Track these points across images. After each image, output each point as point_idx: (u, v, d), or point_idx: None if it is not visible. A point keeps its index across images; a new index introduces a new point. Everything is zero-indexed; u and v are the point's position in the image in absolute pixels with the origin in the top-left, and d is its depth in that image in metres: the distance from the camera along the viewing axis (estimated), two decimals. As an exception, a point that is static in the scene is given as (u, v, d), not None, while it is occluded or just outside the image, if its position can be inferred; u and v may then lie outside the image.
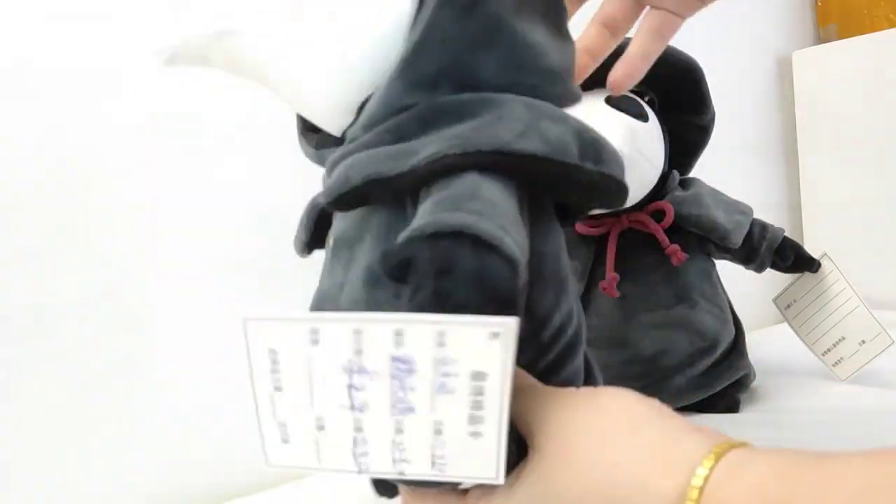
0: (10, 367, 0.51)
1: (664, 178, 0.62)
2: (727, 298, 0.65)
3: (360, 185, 0.30)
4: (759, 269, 0.64)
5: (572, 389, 0.31)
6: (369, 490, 0.41)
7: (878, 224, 1.00)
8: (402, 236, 0.27)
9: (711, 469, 0.25)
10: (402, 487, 0.33)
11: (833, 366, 0.65)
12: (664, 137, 0.62)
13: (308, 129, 0.37)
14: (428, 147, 0.29)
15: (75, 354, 0.54)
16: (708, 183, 0.65)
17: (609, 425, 0.28)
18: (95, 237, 0.55)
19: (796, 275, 0.66)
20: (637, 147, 0.57)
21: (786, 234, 0.64)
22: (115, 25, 0.56)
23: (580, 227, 0.62)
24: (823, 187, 1.08)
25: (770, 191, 1.11)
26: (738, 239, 0.61)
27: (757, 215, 0.64)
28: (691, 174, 0.68)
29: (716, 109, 0.65)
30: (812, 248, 0.66)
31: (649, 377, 0.61)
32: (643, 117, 0.59)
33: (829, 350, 0.65)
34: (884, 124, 0.99)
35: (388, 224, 0.32)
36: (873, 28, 1.06)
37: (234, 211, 0.61)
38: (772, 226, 0.64)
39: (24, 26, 0.53)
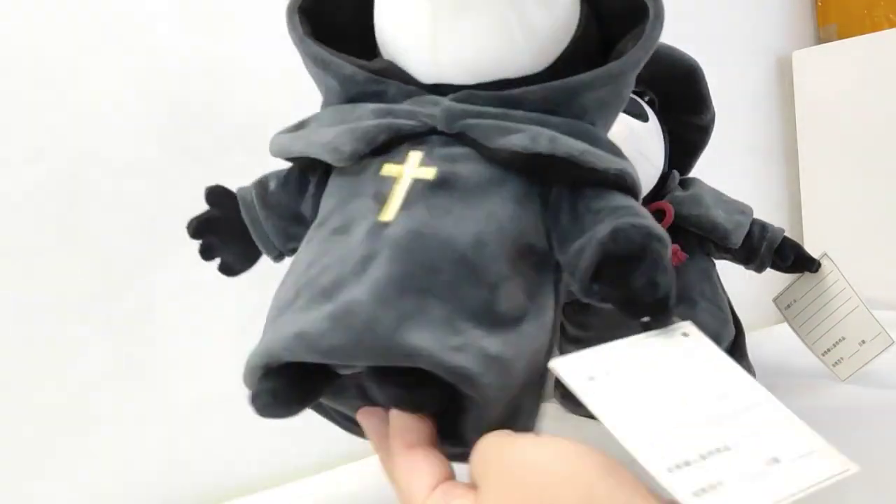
0: (10, 366, 0.51)
1: (664, 178, 0.62)
2: (727, 298, 0.65)
3: (560, 158, 0.34)
4: (759, 269, 0.65)
5: (519, 439, 0.28)
6: (369, 490, 0.41)
7: (878, 224, 1.00)
8: (631, 226, 0.33)
9: None
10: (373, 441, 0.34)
11: (833, 366, 0.65)
12: (664, 137, 0.62)
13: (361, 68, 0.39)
14: (603, 157, 0.35)
15: (75, 354, 0.54)
16: (708, 183, 0.65)
17: (582, 472, 0.25)
18: (95, 237, 0.55)
19: (796, 275, 0.66)
20: (637, 147, 0.57)
21: (786, 234, 0.64)
22: (115, 25, 0.56)
23: None
24: (823, 187, 1.08)
25: (770, 191, 1.11)
26: (738, 239, 0.61)
27: (757, 215, 0.64)
28: (691, 174, 0.68)
29: (716, 109, 0.65)
30: (812, 248, 0.66)
31: None
32: (643, 117, 0.59)
33: (829, 350, 0.65)
34: (884, 124, 0.99)
35: (526, 194, 0.36)
36: (873, 28, 1.06)
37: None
38: (772, 226, 0.64)
39: (23, 27, 0.53)
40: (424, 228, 0.33)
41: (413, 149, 0.36)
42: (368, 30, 0.41)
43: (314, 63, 0.39)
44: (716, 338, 0.60)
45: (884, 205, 1.00)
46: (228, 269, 0.42)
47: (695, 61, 0.62)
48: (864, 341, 0.63)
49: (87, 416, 0.54)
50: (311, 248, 0.35)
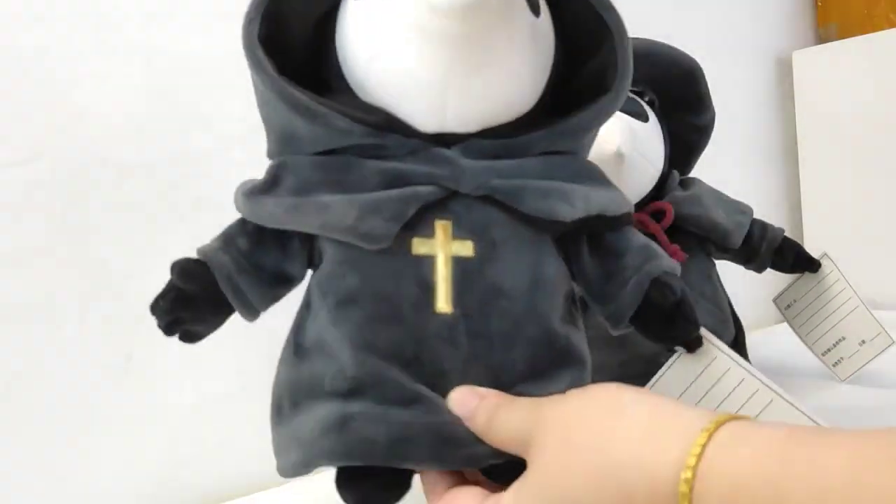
0: (10, 366, 0.51)
1: (664, 178, 0.62)
2: (727, 298, 0.65)
3: (593, 217, 0.36)
4: (759, 269, 0.64)
5: (556, 398, 0.32)
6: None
7: (878, 224, 1.00)
8: (666, 274, 0.37)
9: (707, 441, 0.25)
10: (424, 481, 0.35)
11: (833, 366, 0.65)
12: (664, 137, 0.62)
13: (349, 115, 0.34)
14: (616, 201, 0.37)
15: (74, 354, 0.54)
16: (708, 183, 0.65)
17: (599, 413, 0.29)
18: (95, 237, 0.55)
19: (796, 275, 0.66)
20: (637, 147, 0.57)
21: (786, 234, 0.64)
22: (115, 25, 0.56)
23: None
24: (823, 187, 1.08)
25: (770, 191, 1.11)
26: (738, 239, 0.61)
27: (757, 215, 0.64)
28: (691, 174, 0.68)
29: (716, 109, 0.65)
30: (812, 248, 0.66)
31: (649, 377, 0.61)
32: (643, 117, 0.59)
33: (829, 350, 0.65)
34: (884, 124, 0.99)
35: (557, 248, 0.37)
36: (873, 28, 1.06)
37: (235, 211, 0.61)
38: (772, 226, 0.64)
39: (23, 26, 0.53)
40: (484, 321, 0.33)
41: (438, 218, 0.34)
42: (318, 54, 0.36)
43: (293, 110, 0.33)
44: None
45: (884, 205, 1.00)
46: (193, 337, 0.38)
47: (695, 61, 0.62)
48: (864, 341, 0.63)
49: (87, 416, 0.54)
50: (347, 333, 0.33)
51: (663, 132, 0.62)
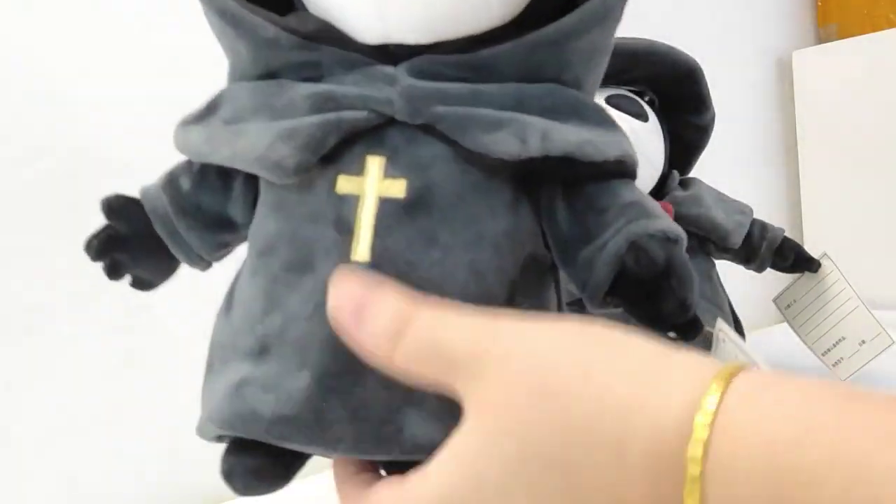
0: (10, 366, 0.51)
1: (664, 178, 0.62)
2: (727, 298, 0.65)
3: (555, 158, 0.28)
4: (759, 269, 0.65)
5: (511, 314, 0.23)
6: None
7: (878, 224, 1.00)
8: (649, 237, 0.29)
9: (725, 388, 0.19)
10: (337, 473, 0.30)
11: (833, 366, 0.65)
12: (664, 137, 0.62)
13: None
14: (600, 144, 0.29)
15: (74, 354, 0.54)
16: (708, 183, 0.65)
17: (585, 342, 0.22)
18: (95, 237, 0.55)
19: (796, 275, 0.66)
20: (637, 147, 0.57)
21: (786, 234, 0.64)
22: (115, 25, 0.56)
23: None
24: (823, 187, 1.08)
25: (770, 191, 1.11)
26: (738, 239, 0.61)
27: (757, 215, 0.64)
28: (691, 174, 0.68)
29: (716, 109, 0.65)
30: (812, 248, 0.66)
31: None
32: (643, 117, 0.59)
33: (829, 350, 0.65)
34: (884, 124, 0.99)
35: (516, 198, 0.29)
36: (873, 28, 1.06)
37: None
38: (772, 226, 0.64)
39: (23, 26, 0.53)
40: (409, 271, 0.27)
41: (371, 151, 0.28)
42: None
43: (221, 18, 0.30)
44: None
45: (884, 205, 1.00)
46: (144, 284, 0.35)
47: (695, 61, 0.62)
48: (864, 341, 0.63)
49: (87, 416, 0.54)
50: (262, 285, 0.29)
51: (663, 132, 0.62)
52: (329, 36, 0.29)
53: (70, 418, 0.53)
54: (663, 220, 0.30)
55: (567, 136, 0.28)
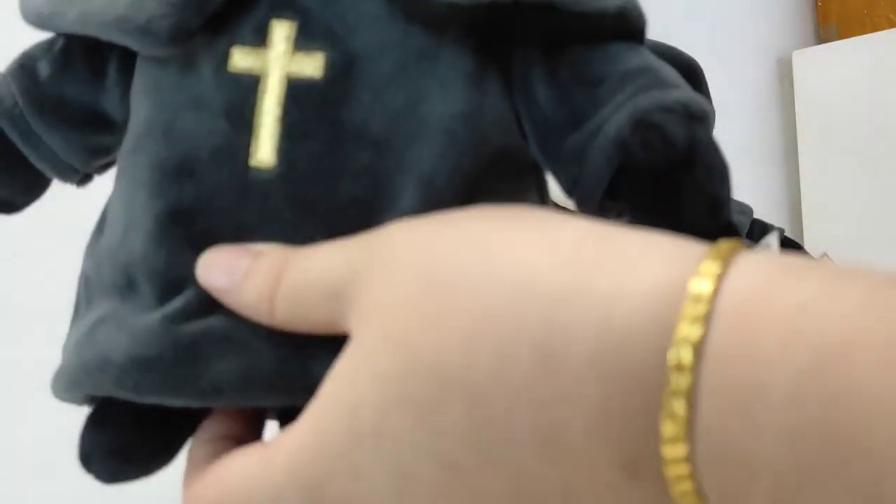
0: (10, 366, 0.51)
1: None
2: None
3: (527, 4, 0.20)
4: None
5: (402, 222, 0.18)
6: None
7: (878, 224, 1.00)
8: (662, 110, 0.19)
9: (724, 269, 0.13)
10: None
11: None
12: None
13: None
14: None
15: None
16: (708, 183, 0.65)
17: (493, 228, 0.16)
18: (95, 237, 0.55)
19: None
20: None
21: (786, 233, 0.64)
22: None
23: None
24: (823, 187, 1.08)
25: (770, 191, 1.11)
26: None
27: (757, 215, 0.64)
28: (691, 174, 0.68)
29: (716, 109, 0.65)
30: (812, 248, 0.66)
31: None
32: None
33: None
34: (884, 124, 0.99)
35: (478, 68, 0.21)
36: (873, 28, 1.06)
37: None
38: (772, 226, 0.64)
39: (23, 27, 0.53)
40: (329, 180, 0.20)
41: (276, 14, 0.20)
42: None
43: None
44: None
45: (884, 205, 1.00)
46: (7, 206, 0.28)
47: (695, 61, 0.62)
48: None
49: (86, 416, 0.54)
50: (125, 194, 0.23)
51: None
52: None
53: (71, 419, 0.53)
54: (682, 89, 0.21)
55: None
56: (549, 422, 0.13)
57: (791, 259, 0.14)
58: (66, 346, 0.24)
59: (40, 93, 0.24)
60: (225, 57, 0.20)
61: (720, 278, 0.13)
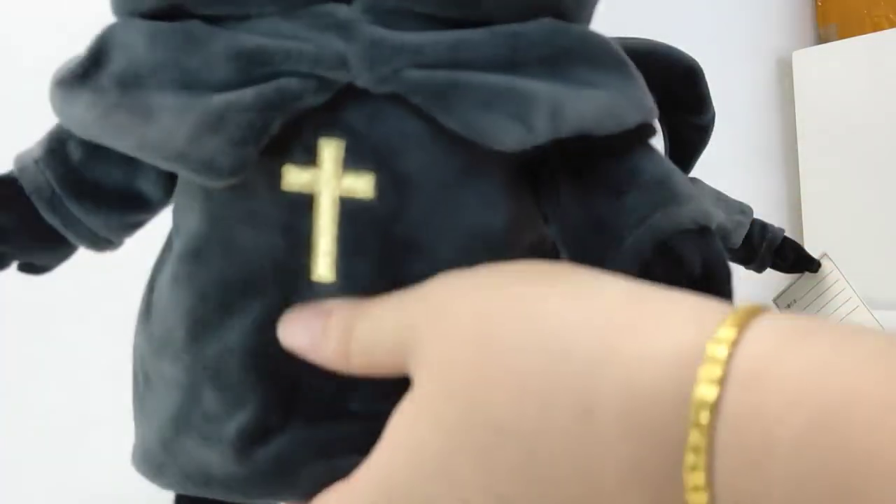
0: (10, 366, 0.51)
1: None
2: None
3: (569, 141, 0.21)
4: (759, 269, 0.64)
5: (456, 274, 0.20)
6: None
7: (878, 224, 1.00)
8: (678, 229, 0.22)
9: (740, 334, 0.15)
10: None
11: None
12: (664, 137, 0.62)
13: None
14: (619, 107, 0.22)
15: (75, 354, 0.53)
16: (708, 183, 0.65)
17: (537, 288, 0.18)
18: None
19: (796, 275, 0.66)
20: None
21: (786, 234, 0.64)
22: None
23: None
24: (823, 187, 1.08)
25: (770, 191, 1.11)
26: (738, 239, 0.61)
27: (757, 215, 0.64)
28: (691, 174, 0.68)
29: (716, 109, 0.65)
30: (812, 248, 0.66)
31: None
32: (643, 117, 0.59)
33: None
34: (884, 124, 0.99)
35: (513, 178, 0.23)
36: (873, 28, 1.06)
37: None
38: (772, 226, 0.64)
39: (24, 28, 0.53)
40: (387, 291, 0.21)
41: (324, 133, 0.21)
42: None
43: None
44: None
45: (884, 205, 1.00)
46: (37, 269, 0.29)
47: (695, 61, 0.62)
48: (863, 341, 0.63)
49: (87, 416, 0.54)
50: (188, 301, 0.23)
51: (663, 132, 0.62)
52: None
53: (71, 419, 0.53)
54: (694, 203, 0.23)
55: (582, 109, 0.22)
56: (587, 467, 0.16)
57: (804, 322, 0.15)
58: (143, 431, 0.25)
59: (75, 178, 0.24)
60: (278, 175, 0.21)
61: (735, 343, 0.15)
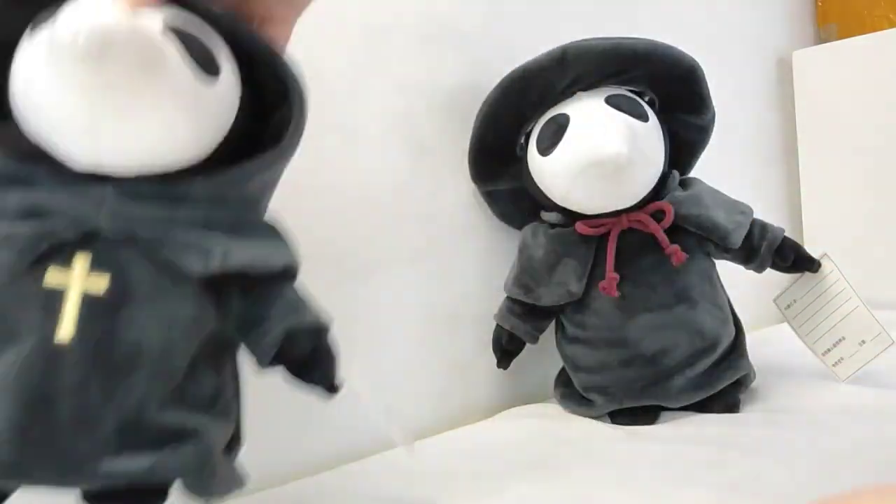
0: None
1: (664, 178, 0.62)
2: (727, 298, 0.65)
3: (233, 274, 0.37)
4: (760, 268, 0.64)
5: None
6: (359, 492, 0.41)
7: (878, 224, 1.00)
8: (302, 329, 0.39)
9: None
10: None
11: (833, 366, 0.65)
12: (664, 137, 0.62)
13: None
14: (271, 256, 0.39)
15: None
16: (708, 183, 0.65)
17: None
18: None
19: (796, 275, 0.66)
20: (637, 147, 0.57)
21: (786, 234, 0.64)
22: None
23: (580, 227, 0.62)
24: (823, 187, 1.08)
25: (770, 191, 1.11)
26: (738, 239, 0.61)
27: (757, 215, 0.64)
28: (691, 174, 0.68)
29: (716, 109, 0.65)
30: (812, 248, 0.66)
31: (649, 377, 0.61)
32: (643, 117, 0.59)
33: (829, 350, 0.65)
34: (884, 124, 0.99)
35: (204, 290, 0.37)
36: (873, 28, 1.06)
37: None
38: (772, 226, 0.64)
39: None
40: (107, 351, 0.34)
41: (79, 250, 0.34)
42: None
43: None
44: (716, 338, 0.61)
45: (884, 205, 1.00)
46: None
47: (695, 61, 0.62)
48: (864, 341, 0.63)
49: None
50: None
51: (663, 132, 0.62)
52: (41, 156, 0.35)
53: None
54: (311, 314, 0.40)
55: (243, 254, 0.37)
56: None
57: None
58: None
59: None
60: (42, 275, 0.33)
61: None
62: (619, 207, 0.60)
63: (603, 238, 0.61)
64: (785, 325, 0.69)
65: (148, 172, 0.36)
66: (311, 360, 0.40)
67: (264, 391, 0.46)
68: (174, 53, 0.34)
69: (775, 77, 1.13)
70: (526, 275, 0.65)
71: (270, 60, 0.40)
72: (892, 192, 0.99)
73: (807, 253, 0.65)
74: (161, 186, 0.36)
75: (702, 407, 0.61)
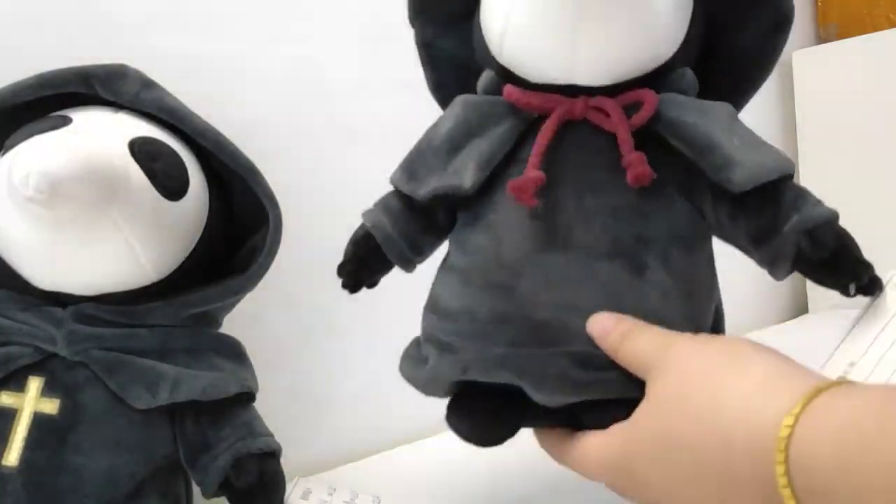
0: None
1: (670, 66, 0.40)
2: (716, 292, 0.45)
3: (182, 403, 0.40)
4: (775, 259, 0.38)
5: (688, 336, 0.34)
6: (355, 492, 0.41)
7: (878, 224, 1.00)
8: (251, 453, 0.41)
9: (815, 395, 0.26)
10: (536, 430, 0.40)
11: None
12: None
13: None
14: (222, 382, 0.41)
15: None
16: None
17: (718, 362, 0.31)
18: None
19: (844, 313, 0.42)
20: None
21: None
22: (113, 26, 0.56)
23: (511, 92, 0.39)
24: (823, 187, 1.07)
25: (770, 191, 1.11)
26: (743, 178, 0.36)
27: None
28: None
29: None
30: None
31: (521, 349, 0.37)
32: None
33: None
34: (884, 124, 0.99)
35: (154, 416, 0.40)
36: (873, 28, 1.06)
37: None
38: (817, 199, 0.41)
39: (24, 29, 0.53)
40: (51, 478, 0.35)
41: (33, 374, 0.37)
42: None
43: None
44: (659, 323, 0.48)
45: (884, 205, 1.00)
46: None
47: (695, 61, 0.61)
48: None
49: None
50: None
51: None
52: (5, 275, 0.37)
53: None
54: (268, 438, 0.41)
55: (194, 384, 0.38)
56: (729, 485, 0.29)
57: (862, 398, 0.26)
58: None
59: None
60: None
61: (798, 417, 0.26)
62: (581, 81, 0.38)
63: (542, 120, 0.39)
64: (785, 325, 0.68)
65: (109, 292, 0.38)
66: (257, 487, 0.40)
67: (264, 391, 0.46)
68: (136, 174, 0.36)
69: (775, 77, 1.13)
70: (419, 157, 0.42)
71: (251, 179, 0.41)
72: (893, 192, 0.99)
73: (860, 254, 0.40)
74: (119, 309, 0.38)
75: (574, 418, 0.37)
